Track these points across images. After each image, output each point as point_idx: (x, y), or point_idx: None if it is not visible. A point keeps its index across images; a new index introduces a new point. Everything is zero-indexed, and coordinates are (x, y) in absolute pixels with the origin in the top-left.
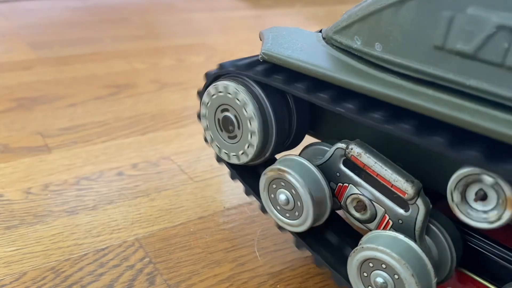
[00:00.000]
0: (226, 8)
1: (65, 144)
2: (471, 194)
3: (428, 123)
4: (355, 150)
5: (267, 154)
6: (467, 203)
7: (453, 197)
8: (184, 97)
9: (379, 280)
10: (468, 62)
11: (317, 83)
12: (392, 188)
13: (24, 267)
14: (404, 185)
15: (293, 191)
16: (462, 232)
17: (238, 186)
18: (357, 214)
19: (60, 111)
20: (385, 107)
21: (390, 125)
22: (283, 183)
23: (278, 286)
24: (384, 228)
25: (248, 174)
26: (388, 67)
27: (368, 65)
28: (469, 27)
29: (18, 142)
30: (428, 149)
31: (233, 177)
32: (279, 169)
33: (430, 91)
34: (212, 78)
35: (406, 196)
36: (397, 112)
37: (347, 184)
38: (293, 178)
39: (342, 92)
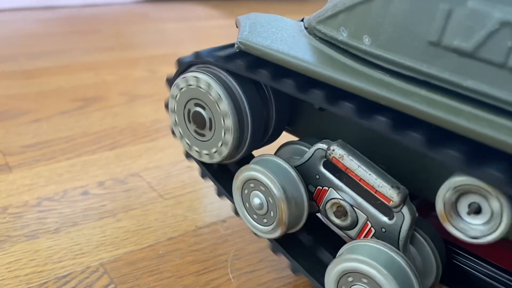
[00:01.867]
0: (200, 18)
1: (27, 162)
2: (463, 205)
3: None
4: (337, 152)
5: (240, 154)
6: (459, 215)
7: (444, 208)
8: (156, 110)
9: None
10: (466, 60)
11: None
12: (376, 194)
13: None
14: (389, 192)
15: (268, 196)
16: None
17: (211, 203)
18: (337, 220)
19: (24, 127)
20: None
21: (398, 133)
22: (258, 185)
23: None
24: (366, 236)
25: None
26: (376, 63)
27: (355, 59)
28: (469, 22)
29: None
30: (416, 153)
31: (203, 176)
32: (253, 169)
33: (423, 91)
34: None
35: (391, 204)
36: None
37: (326, 188)
38: (269, 180)
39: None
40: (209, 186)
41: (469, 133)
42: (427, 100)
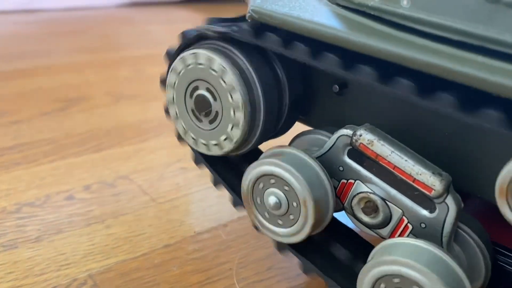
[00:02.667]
0: (184, 20)
1: (5, 165)
2: None
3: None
4: (365, 137)
5: (253, 141)
6: None
7: (508, 185)
8: (143, 110)
9: None
10: None
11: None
12: (414, 184)
13: None
14: (430, 179)
15: (286, 189)
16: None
17: (209, 206)
18: (365, 218)
19: (2, 129)
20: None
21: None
22: (268, 181)
23: None
24: (401, 234)
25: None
26: (418, 28)
27: (391, 26)
28: None
29: None
30: (459, 138)
31: (197, 162)
32: (267, 163)
33: (479, 58)
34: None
35: (432, 193)
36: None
37: (352, 181)
38: (289, 174)
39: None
40: (206, 188)
41: None
42: (487, 66)
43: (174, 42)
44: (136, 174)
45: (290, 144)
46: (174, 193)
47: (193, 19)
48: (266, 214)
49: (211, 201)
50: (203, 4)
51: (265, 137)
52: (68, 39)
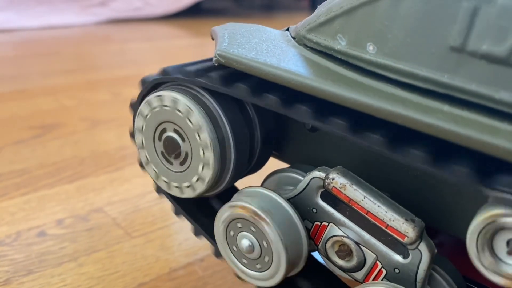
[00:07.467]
0: (165, 37)
1: None
2: (501, 243)
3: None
4: (338, 181)
5: (227, 179)
6: (496, 255)
7: (477, 247)
8: (120, 135)
9: None
10: (498, 68)
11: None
12: (387, 230)
13: None
14: (403, 226)
15: (261, 238)
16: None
17: (186, 239)
18: (340, 262)
19: None
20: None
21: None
22: (246, 226)
23: None
24: (376, 278)
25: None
26: (384, 75)
27: (357, 71)
28: (500, 21)
29: None
30: (433, 179)
31: (177, 213)
32: (240, 206)
33: (445, 107)
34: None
35: (406, 240)
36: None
37: (326, 223)
38: (260, 219)
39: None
40: (183, 220)
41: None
42: (452, 117)
43: (154, 61)
44: (111, 206)
45: (263, 183)
46: (149, 226)
47: (174, 36)
48: (235, 250)
49: (187, 234)
50: (184, 19)
51: (238, 174)
52: (43, 60)
